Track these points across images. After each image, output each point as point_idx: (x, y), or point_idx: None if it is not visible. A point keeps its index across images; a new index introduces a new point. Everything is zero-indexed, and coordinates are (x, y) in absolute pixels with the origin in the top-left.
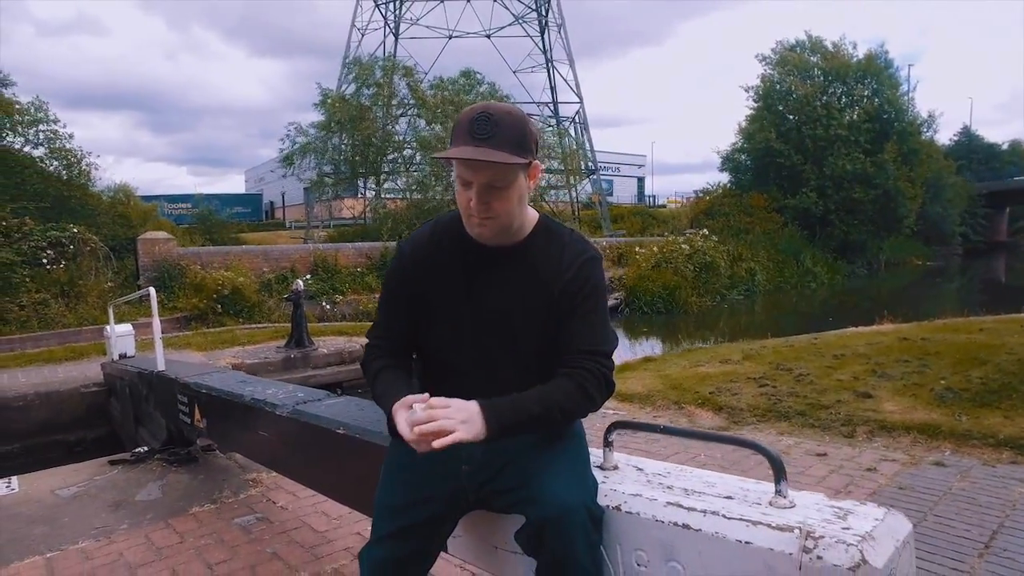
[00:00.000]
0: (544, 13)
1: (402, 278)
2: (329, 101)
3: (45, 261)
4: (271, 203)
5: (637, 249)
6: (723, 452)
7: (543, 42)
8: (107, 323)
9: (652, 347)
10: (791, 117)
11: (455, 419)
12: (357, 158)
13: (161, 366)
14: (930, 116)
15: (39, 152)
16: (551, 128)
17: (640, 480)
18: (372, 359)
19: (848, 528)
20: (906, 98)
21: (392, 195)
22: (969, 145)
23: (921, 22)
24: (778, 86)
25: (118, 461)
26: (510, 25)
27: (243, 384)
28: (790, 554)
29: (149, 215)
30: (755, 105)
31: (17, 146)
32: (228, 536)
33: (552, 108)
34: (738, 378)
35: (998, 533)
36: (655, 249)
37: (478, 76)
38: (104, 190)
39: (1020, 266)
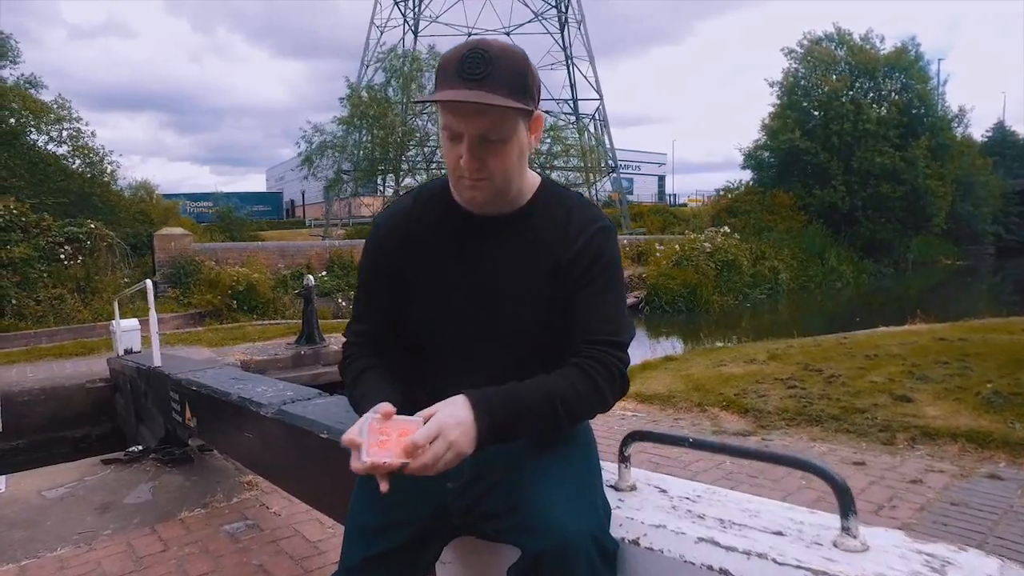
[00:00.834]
0: (564, 10)
1: (377, 257)
2: (354, 95)
3: (62, 256)
4: (291, 201)
5: (657, 246)
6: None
7: (563, 39)
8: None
9: (673, 346)
10: (816, 113)
11: (442, 455)
12: (377, 154)
13: (157, 362)
14: (961, 111)
15: (62, 150)
16: (571, 126)
17: (664, 506)
18: (351, 360)
19: None
20: (936, 92)
21: None
22: (1002, 141)
23: (948, 19)
24: (803, 81)
25: (111, 460)
26: (529, 22)
27: (234, 382)
28: None
29: (170, 212)
30: (778, 102)
31: (41, 143)
32: (214, 545)
33: (572, 105)
34: (764, 379)
35: None
36: (676, 247)
37: None
38: (126, 187)
39: None
